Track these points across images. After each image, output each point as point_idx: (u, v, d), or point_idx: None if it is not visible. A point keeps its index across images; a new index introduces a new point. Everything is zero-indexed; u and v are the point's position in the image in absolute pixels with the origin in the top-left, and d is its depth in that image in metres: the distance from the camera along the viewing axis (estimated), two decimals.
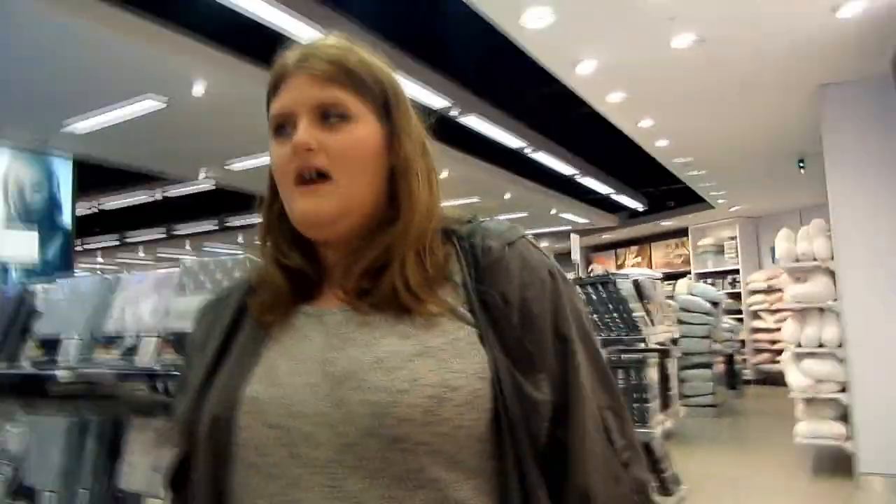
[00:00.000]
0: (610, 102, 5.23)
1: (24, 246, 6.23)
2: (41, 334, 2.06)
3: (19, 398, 2.49)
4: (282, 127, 0.76)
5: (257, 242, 0.82)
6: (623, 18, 3.84)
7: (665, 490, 3.53)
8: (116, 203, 9.69)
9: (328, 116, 0.74)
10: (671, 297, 7.69)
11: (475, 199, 8.57)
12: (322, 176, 0.73)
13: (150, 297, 1.79)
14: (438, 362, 0.67)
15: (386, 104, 0.78)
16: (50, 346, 1.99)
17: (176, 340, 1.64)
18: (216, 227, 11.68)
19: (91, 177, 7.25)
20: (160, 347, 1.68)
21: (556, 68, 4.57)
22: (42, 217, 6.43)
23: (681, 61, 4.38)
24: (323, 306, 0.77)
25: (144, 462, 1.78)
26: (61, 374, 1.86)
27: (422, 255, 0.74)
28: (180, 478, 0.74)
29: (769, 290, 10.14)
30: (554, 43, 4.12)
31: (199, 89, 4.83)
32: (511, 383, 0.69)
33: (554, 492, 0.70)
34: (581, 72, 4.53)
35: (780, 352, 8.78)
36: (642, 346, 3.34)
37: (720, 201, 9.75)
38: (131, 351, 1.76)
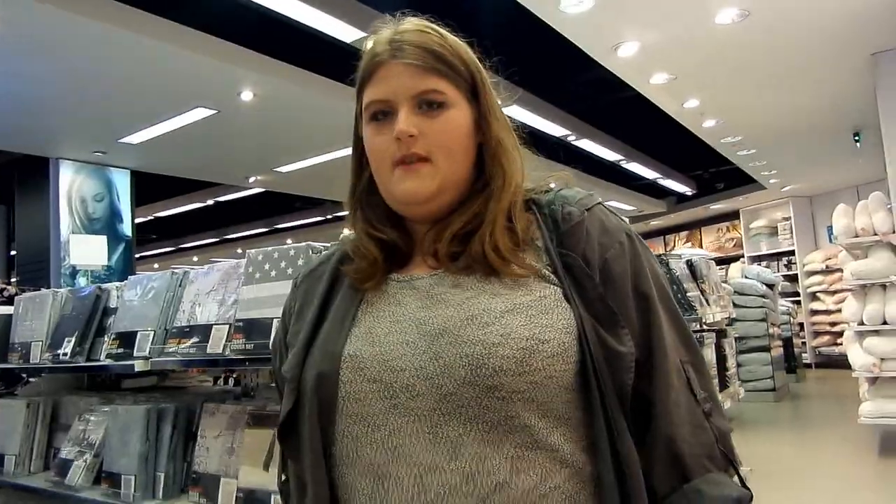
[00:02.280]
0: (654, 84, 5.16)
1: (93, 251, 6.56)
2: (117, 330, 2.18)
3: (98, 391, 2.64)
4: (380, 113, 0.80)
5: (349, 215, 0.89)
6: None
7: None
8: (171, 211, 10.03)
9: (426, 104, 0.79)
10: (725, 282, 7.54)
11: None
12: (422, 159, 0.78)
13: (217, 289, 1.88)
14: (528, 318, 0.73)
15: (474, 87, 0.83)
16: (126, 340, 2.11)
17: (245, 328, 1.72)
18: (266, 230, 11.96)
19: (147, 186, 7.54)
20: (230, 335, 1.76)
21: (597, 52, 4.54)
22: (104, 226, 6.72)
23: (725, 37, 4.30)
24: (413, 273, 0.83)
25: (217, 445, 1.87)
26: (138, 364, 1.96)
27: (510, 223, 0.80)
28: (288, 430, 0.81)
29: (827, 271, 9.84)
30: (594, 27, 4.10)
31: (247, 96, 4.97)
32: (596, 338, 0.73)
33: (640, 442, 0.74)
34: (623, 54, 4.49)
35: (840, 334, 8.52)
36: (697, 325, 3.31)
37: (772, 181, 9.49)
38: (203, 340, 1.85)
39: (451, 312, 0.75)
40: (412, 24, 0.83)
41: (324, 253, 0.96)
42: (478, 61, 0.84)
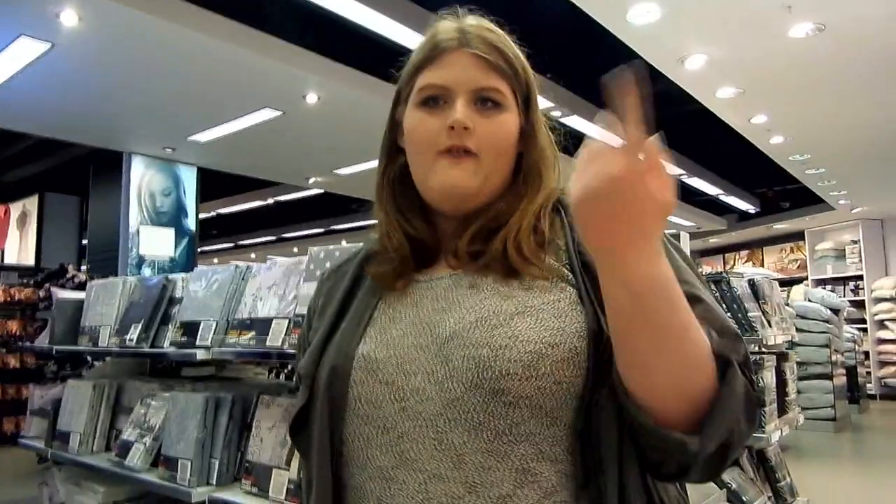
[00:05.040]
0: (720, 98, 5.04)
1: (161, 243, 6.84)
2: (181, 319, 2.26)
3: (158, 377, 2.74)
4: (433, 99, 0.79)
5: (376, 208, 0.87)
6: (735, 9, 3.70)
7: (780, 500, 3.36)
8: (232, 208, 10.32)
9: (484, 101, 0.78)
10: (787, 305, 7.27)
11: None
12: (469, 153, 0.78)
13: (279, 284, 1.93)
14: (538, 321, 0.71)
15: (527, 96, 0.83)
16: (189, 330, 2.18)
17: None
18: (322, 231, 12.18)
19: (211, 183, 7.79)
20: (289, 330, 1.80)
21: (663, 64, 4.46)
22: (170, 219, 6.99)
23: (798, 52, 4.17)
24: (434, 273, 0.82)
25: (271, 437, 1.92)
26: (200, 353, 2.03)
27: (536, 224, 0.79)
28: (300, 426, 0.81)
29: None
30: (661, 39, 4.03)
31: (312, 98, 5.08)
32: (606, 340, 0.68)
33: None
34: (689, 67, 4.40)
35: None
36: (756, 347, 3.20)
37: (841, 202, 9.12)
38: (262, 333, 1.90)
39: (463, 315, 0.74)
40: (478, 21, 0.83)
41: (351, 250, 0.96)
42: (532, 73, 0.84)
